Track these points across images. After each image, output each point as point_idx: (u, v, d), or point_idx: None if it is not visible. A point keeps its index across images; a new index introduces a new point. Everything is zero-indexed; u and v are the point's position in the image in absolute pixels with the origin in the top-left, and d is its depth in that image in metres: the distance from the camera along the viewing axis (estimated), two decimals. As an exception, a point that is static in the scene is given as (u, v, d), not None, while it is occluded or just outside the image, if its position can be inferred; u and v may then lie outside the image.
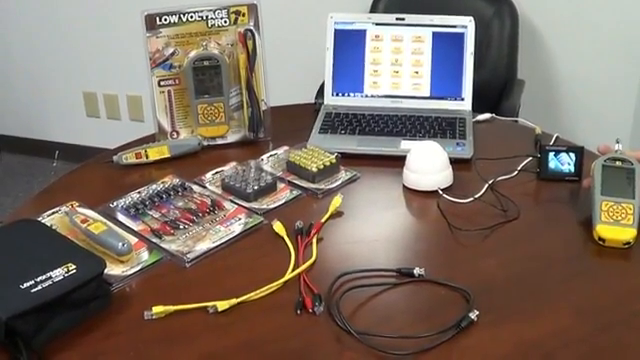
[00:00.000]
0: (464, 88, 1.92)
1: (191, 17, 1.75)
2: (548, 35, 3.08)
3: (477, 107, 1.94)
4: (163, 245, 1.40)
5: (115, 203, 1.55)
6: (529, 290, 1.27)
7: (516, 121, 2.01)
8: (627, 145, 1.49)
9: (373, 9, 3.07)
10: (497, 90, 2.86)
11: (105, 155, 1.77)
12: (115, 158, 1.73)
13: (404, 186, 1.61)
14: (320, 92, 2.04)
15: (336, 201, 1.51)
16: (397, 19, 1.95)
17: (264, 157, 1.74)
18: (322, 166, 1.62)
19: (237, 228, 1.45)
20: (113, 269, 1.32)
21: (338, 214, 1.51)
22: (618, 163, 1.45)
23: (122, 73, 3.78)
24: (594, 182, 1.44)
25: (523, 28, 2.96)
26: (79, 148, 4.05)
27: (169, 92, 1.79)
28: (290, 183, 1.63)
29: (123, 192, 1.59)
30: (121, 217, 1.50)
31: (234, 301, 1.22)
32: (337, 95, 1.97)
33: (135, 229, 1.46)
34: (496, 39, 2.91)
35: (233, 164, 1.71)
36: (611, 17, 2.95)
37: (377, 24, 1.96)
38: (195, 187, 1.61)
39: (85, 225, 1.39)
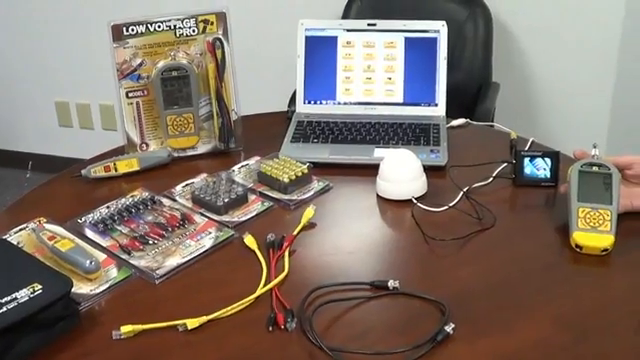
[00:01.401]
0: (437, 94, 1.90)
1: (159, 27, 1.72)
2: (522, 38, 3.07)
3: (452, 111, 1.92)
4: (132, 261, 1.37)
5: (83, 219, 1.51)
6: (506, 300, 1.25)
7: (492, 126, 1.99)
8: (604, 149, 1.48)
9: (345, 15, 3.04)
10: (472, 93, 2.85)
11: (74, 169, 1.74)
12: (84, 172, 1.69)
13: (378, 195, 1.59)
14: (292, 100, 2.01)
15: (308, 212, 1.48)
16: (369, 25, 1.93)
17: (235, 168, 1.72)
18: (294, 177, 1.60)
19: (207, 242, 1.42)
20: (81, 287, 1.29)
21: (311, 226, 1.49)
22: (595, 168, 1.43)
23: (94, 82, 3.72)
24: (570, 188, 1.42)
25: (497, 31, 2.95)
26: (52, 158, 4.01)
27: (137, 104, 1.76)
28: (262, 194, 1.60)
29: (92, 207, 1.56)
30: (89, 233, 1.47)
31: (204, 319, 1.20)
32: (309, 103, 1.94)
33: (104, 245, 1.43)
34: (470, 42, 2.90)
35: (203, 176, 1.68)
36: (585, 19, 2.95)
37: (348, 30, 1.93)
38: (165, 200, 1.58)
39: (52, 242, 1.36)
